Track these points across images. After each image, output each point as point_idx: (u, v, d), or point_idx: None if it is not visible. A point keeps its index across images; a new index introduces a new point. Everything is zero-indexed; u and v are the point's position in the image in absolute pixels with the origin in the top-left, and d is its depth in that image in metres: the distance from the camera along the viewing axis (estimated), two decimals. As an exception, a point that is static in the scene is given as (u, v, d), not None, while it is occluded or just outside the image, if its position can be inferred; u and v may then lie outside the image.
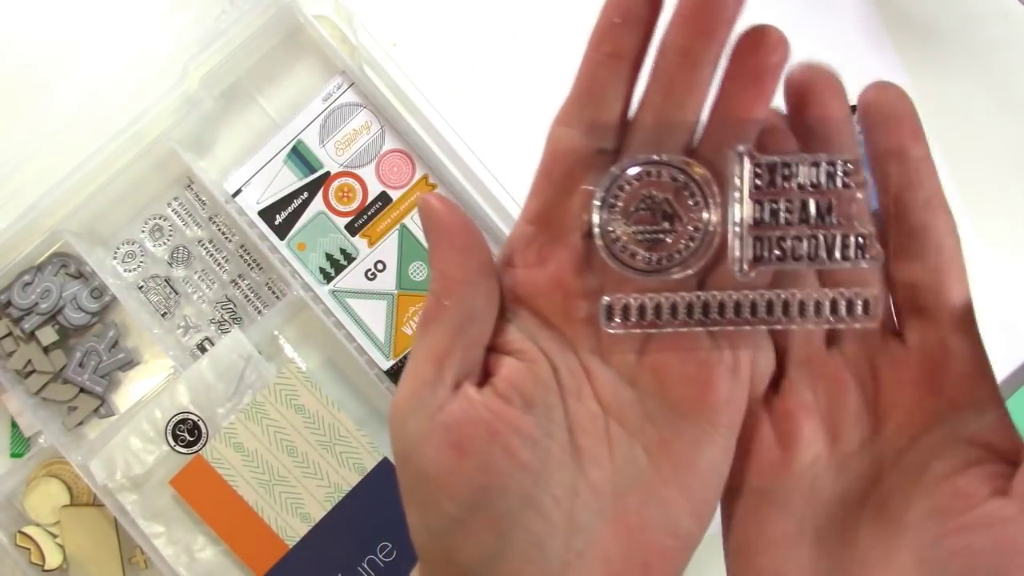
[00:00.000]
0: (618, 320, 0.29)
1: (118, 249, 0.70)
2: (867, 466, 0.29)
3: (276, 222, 0.68)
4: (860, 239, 0.29)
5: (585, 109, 0.29)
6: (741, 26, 0.29)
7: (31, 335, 0.67)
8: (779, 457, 0.30)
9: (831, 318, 0.29)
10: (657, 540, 0.29)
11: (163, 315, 0.70)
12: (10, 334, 0.67)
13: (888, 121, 0.29)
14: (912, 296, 0.29)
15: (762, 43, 0.28)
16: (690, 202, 0.29)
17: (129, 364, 0.69)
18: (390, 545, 0.66)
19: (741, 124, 0.28)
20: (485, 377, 0.29)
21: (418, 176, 0.69)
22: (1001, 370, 0.67)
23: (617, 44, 0.28)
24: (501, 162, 0.67)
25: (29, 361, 0.67)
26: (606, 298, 0.29)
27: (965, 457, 0.27)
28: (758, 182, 0.29)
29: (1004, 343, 0.69)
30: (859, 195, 0.29)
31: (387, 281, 0.68)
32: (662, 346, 0.29)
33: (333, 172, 0.69)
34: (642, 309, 0.29)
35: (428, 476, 0.27)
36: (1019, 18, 0.68)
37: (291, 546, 0.65)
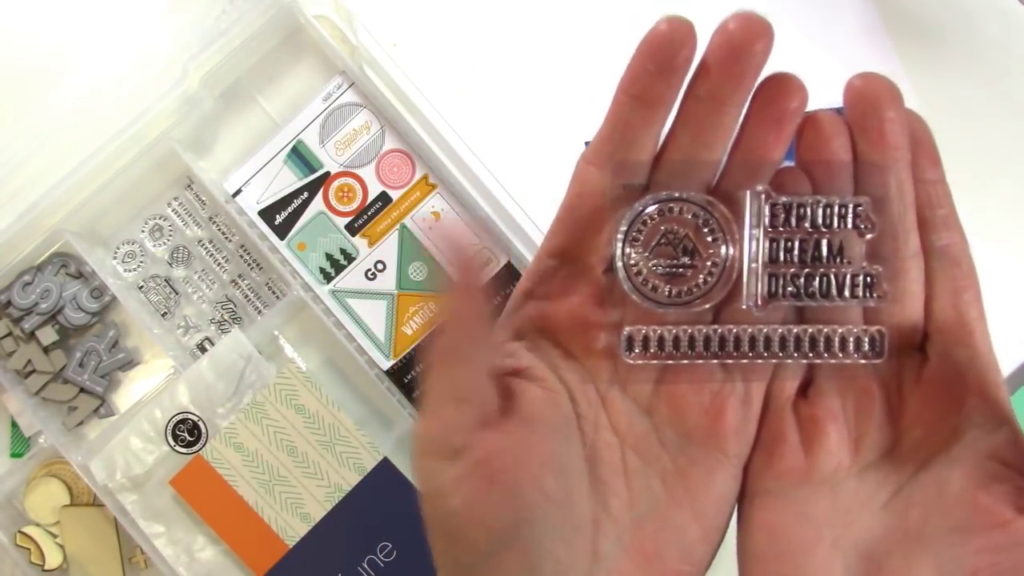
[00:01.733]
0: (638, 351, 0.30)
1: (118, 249, 0.70)
2: (886, 477, 0.30)
3: (276, 222, 0.68)
4: (869, 279, 0.30)
5: (616, 151, 0.30)
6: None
7: (31, 335, 0.67)
8: (803, 463, 0.30)
9: (840, 354, 0.30)
10: (672, 566, 0.30)
11: (163, 315, 0.70)
12: (10, 334, 0.67)
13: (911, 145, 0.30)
14: (931, 312, 0.30)
15: (784, 90, 0.29)
16: (709, 238, 0.31)
17: (129, 364, 0.69)
18: (390, 545, 0.66)
19: (761, 165, 0.29)
20: (505, 402, 0.30)
21: (418, 176, 0.69)
22: (1001, 370, 0.67)
23: (649, 90, 0.29)
24: (501, 162, 0.67)
25: (29, 361, 0.67)
26: (627, 329, 0.30)
27: (985, 472, 0.28)
28: (774, 221, 0.30)
29: (1004, 343, 0.69)
30: (868, 236, 0.30)
31: (387, 281, 0.68)
32: (677, 377, 0.30)
33: (333, 172, 0.69)
34: (661, 341, 0.30)
35: (458, 511, 0.27)
36: (1019, 18, 0.68)
37: (291, 546, 0.65)
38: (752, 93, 0.29)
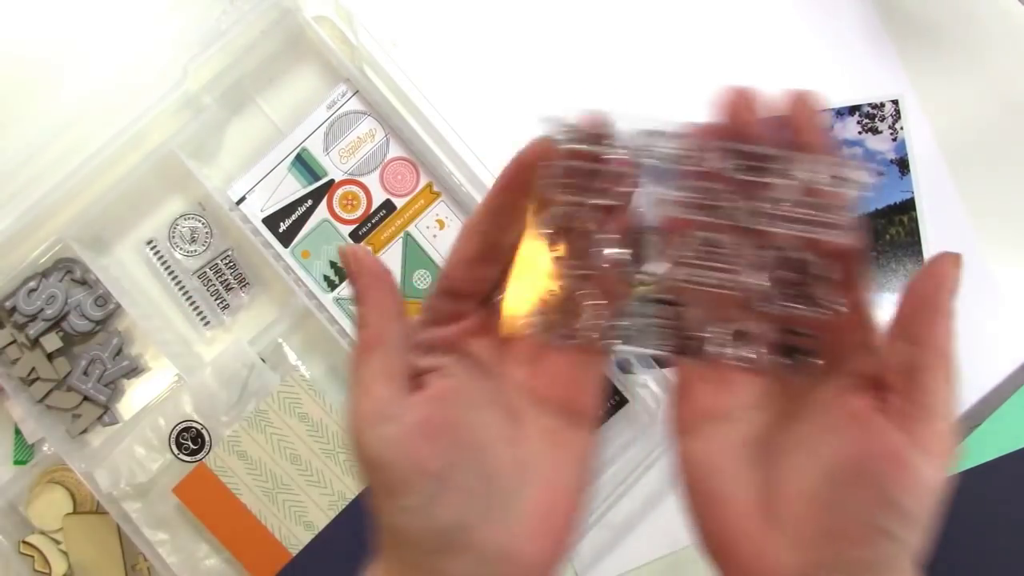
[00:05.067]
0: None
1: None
2: (784, 403, 0.35)
3: (280, 230, 0.69)
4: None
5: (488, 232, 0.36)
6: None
7: (35, 342, 0.67)
8: (714, 402, 0.36)
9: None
10: (578, 476, 0.37)
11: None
12: (14, 341, 0.67)
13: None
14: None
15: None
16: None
17: (133, 372, 0.69)
18: (393, 554, 0.65)
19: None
20: (416, 389, 0.35)
21: (422, 184, 0.69)
22: (1001, 370, 0.67)
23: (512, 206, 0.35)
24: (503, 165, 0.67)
25: (33, 368, 0.67)
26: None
27: (853, 384, 0.34)
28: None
29: (1005, 343, 0.69)
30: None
31: (391, 289, 0.68)
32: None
33: (337, 180, 0.69)
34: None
35: (405, 466, 0.32)
36: (1019, 18, 0.68)
37: (294, 554, 0.65)
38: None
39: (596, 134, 0.34)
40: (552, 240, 0.35)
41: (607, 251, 0.34)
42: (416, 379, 0.35)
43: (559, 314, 0.35)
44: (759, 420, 0.36)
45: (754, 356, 0.35)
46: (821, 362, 0.34)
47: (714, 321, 0.35)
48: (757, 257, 0.34)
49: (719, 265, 0.34)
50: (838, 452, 0.32)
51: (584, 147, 0.34)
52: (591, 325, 0.35)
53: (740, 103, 0.34)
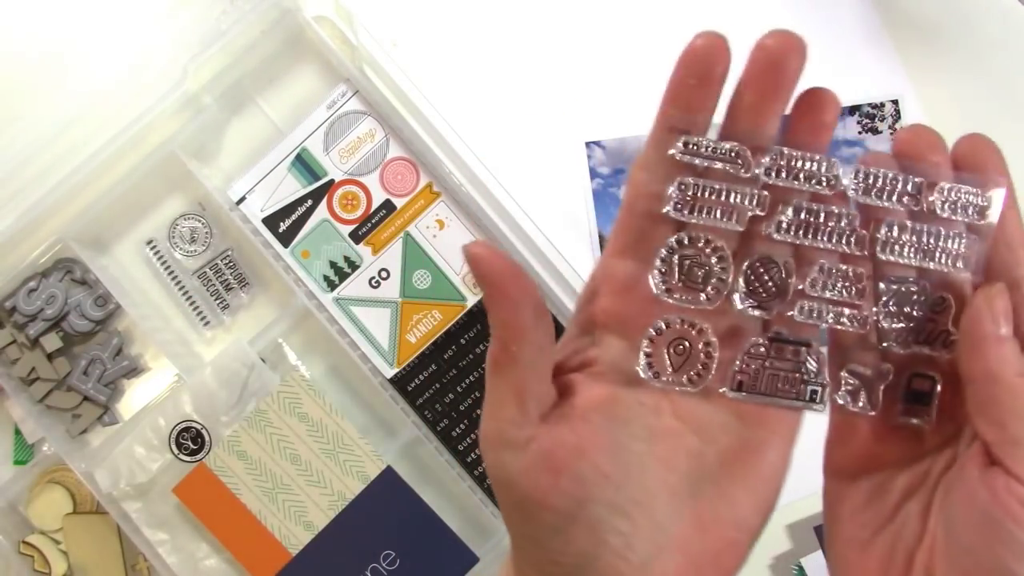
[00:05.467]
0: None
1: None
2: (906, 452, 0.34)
3: (280, 230, 0.69)
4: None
5: (663, 157, 0.32)
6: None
7: (35, 342, 0.67)
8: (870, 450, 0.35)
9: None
10: (726, 533, 0.33)
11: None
12: (14, 341, 0.68)
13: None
14: None
15: (820, 102, 0.32)
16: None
17: (133, 372, 0.69)
18: (393, 554, 0.65)
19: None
20: (565, 397, 0.33)
21: (422, 184, 0.69)
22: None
23: (690, 99, 0.31)
24: (504, 169, 0.67)
25: (33, 368, 0.67)
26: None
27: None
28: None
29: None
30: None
31: (391, 289, 0.68)
32: None
33: (337, 180, 0.69)
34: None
35: (529, 497, 0.31)
36: (1019, 18, 0.68)
37: (294, 554, 0.65)
38: (791, 106, 0.32)
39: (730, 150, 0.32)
40: (666, 273, 0.32)
41: (718, 282, 0.32)
42: (565, 379, 0.33)
43: (670, 355, 0.33)
44: (898, 476, 0.34)
45: (879, 404, 0.33)
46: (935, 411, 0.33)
47: (841, 363, 0.33)
48: (887, 291, 0.32)
49: (847, 300, 0.32)
50: (958, 501, 0.31)
51: (716, 164, 0.32)
52: (702, 369, 0.32)
53: (922, 144, 0.32)
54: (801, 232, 0.32)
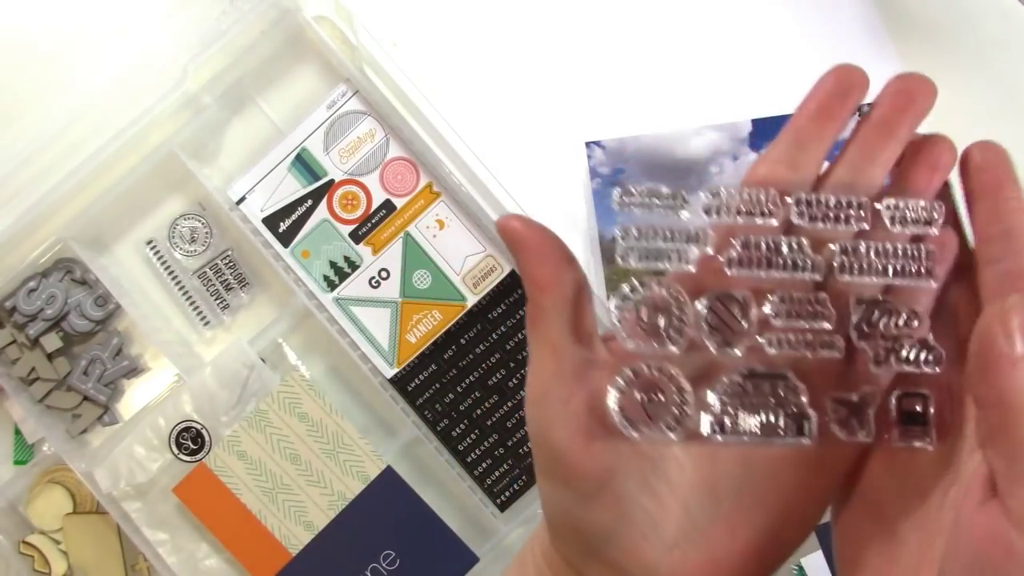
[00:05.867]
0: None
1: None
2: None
3: (280, 230, 0.69)
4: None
5: (792, 150, 0.33)
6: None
7: (35, 342, 0.67)
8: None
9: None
10: (759, 543, 0.32)
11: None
12: (14, 341, 0.68)
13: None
14: None
15: (938, 146, 0.33)
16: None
17: (133, 372, 0.69)
18: (393, 554, 0.65)
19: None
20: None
21: (422, 184, 0.69)
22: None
23: (830, 107, 0.33)
24: (505, 169, 0.67)
25: (33, 368, 0.67)
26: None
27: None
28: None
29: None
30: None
31: (391, 289, 0.68)
32: None
33: (337, 180, 0.69)
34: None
35: (561, 457, 0.31)
36: (1019, 18, 0.68)
37: (294, 554, 0.65)
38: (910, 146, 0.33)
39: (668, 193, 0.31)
40: (626, 319, 0.31)
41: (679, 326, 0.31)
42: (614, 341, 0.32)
43: (644, 404, 0.31)
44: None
45: (873, 431, 0.31)
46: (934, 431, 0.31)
47: (822, 394, 0.31)
48: (856, 311, 0.31)
49: (815, 327, 0.31)
50: (953, 530, 0.29)
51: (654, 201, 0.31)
52: (675, 412, 0.30)
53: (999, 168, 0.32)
54: (755, 265, 0.31)
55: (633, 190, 0.31)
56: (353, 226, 0.69)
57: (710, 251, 0.31)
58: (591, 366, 0.32)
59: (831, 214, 0.31)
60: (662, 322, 0.31)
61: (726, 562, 0.32)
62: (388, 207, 0.69)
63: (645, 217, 0.31)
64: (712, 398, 0.31)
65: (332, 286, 0.68)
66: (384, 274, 0.68)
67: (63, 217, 0.67)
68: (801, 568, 0.66)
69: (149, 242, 0.70)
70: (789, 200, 0.31)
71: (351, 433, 0.66)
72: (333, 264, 0.68)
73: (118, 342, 0.69)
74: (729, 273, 0.31)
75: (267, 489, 0.66)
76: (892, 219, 0.31)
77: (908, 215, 0.31)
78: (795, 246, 0.31)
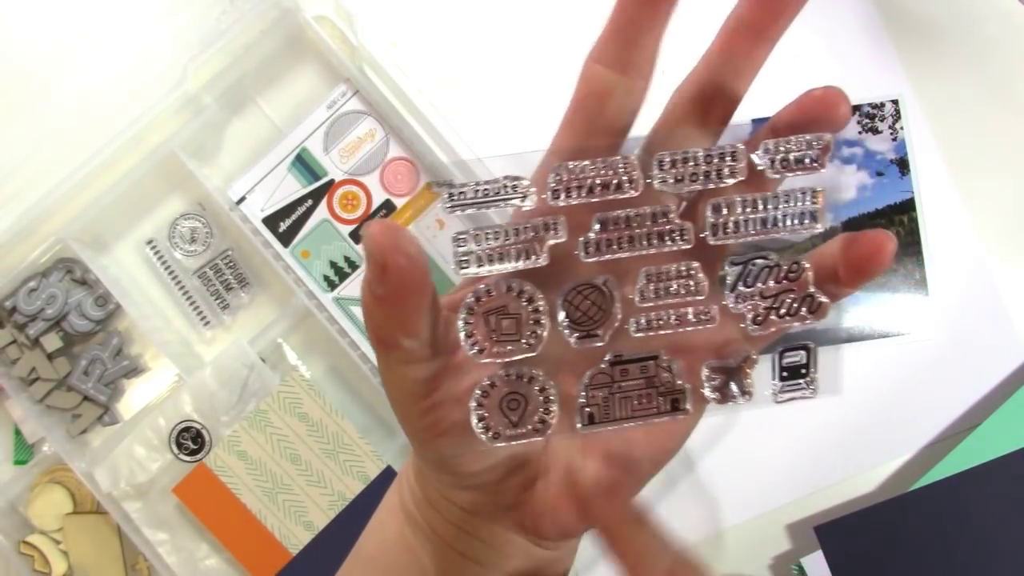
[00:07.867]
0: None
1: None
2: None
3: (280, 230, 0.69)
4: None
5: (620, 49, 0.31)
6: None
7: (35, 342, 0.67)
8: None
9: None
10: (612, 455, 0.33)
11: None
12: (14, 341, 0.68)
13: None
14: None
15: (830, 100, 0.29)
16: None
17: (133, 372, 0.69)
18: (393, 554, 0.65)
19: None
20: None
21: (422, 183, 0.69)
22: (1000, 370, 0.67)
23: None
24: (504, 169, 0.67)
25: (33, 368, 0.67)
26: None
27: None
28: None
29: (1004, 343, 0.69)
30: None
31: (391, 289, 0.68)
32: None
33: (337, 180, 0.69)
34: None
35: (445, 462, 0.32)
36: (1019, 18, 0.68)
37: (294, 554, 0.65)
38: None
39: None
40: (471, 325, 0.28)
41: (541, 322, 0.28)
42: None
43: (505, 412, 0.29)
44: None
45: (751, 390, 0.29)
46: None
47: (702, 362, 0.30)
48: (731, 274, 0.29)
49: (686, 299, 0.29)
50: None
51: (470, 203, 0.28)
52: (545, 415, 0.29)
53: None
54: (615, 246, 0.28)
55: (464, 188, 0.28)
56: (353, 226, 0.69)
57: (563, 237, 0.28)
58: (454, 372, 0.30)
59: (701, 171, 0.28)
60: (512, 328, 0.28)
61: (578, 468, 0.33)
62: (388, 207, 0.69)
63: (483, 217, 0.29)
64: (580, 392, 0.29)
65: (332, 286, 0.68)
66: (384, 274, 0.68)
67: (63, 217, 0.67)
68: (801, 568, 0.66)
69: (149, 242, 0.70)
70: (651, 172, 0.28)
71: (351, 433, 0.66)
72: (333, 264, 0.68)
73: (118, 342, 0.69)
74: (585, 260, 0.28)
75: (267, 489, 0.66)
76: (772, 162, 0.28)
77: (791, 156, 0.28)
78: (659, 217, 0.28)
